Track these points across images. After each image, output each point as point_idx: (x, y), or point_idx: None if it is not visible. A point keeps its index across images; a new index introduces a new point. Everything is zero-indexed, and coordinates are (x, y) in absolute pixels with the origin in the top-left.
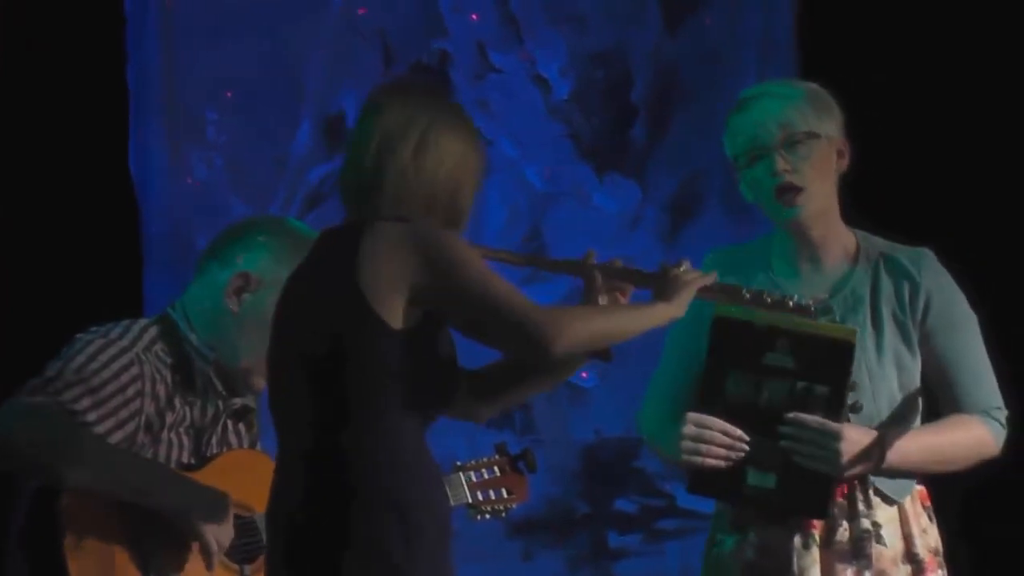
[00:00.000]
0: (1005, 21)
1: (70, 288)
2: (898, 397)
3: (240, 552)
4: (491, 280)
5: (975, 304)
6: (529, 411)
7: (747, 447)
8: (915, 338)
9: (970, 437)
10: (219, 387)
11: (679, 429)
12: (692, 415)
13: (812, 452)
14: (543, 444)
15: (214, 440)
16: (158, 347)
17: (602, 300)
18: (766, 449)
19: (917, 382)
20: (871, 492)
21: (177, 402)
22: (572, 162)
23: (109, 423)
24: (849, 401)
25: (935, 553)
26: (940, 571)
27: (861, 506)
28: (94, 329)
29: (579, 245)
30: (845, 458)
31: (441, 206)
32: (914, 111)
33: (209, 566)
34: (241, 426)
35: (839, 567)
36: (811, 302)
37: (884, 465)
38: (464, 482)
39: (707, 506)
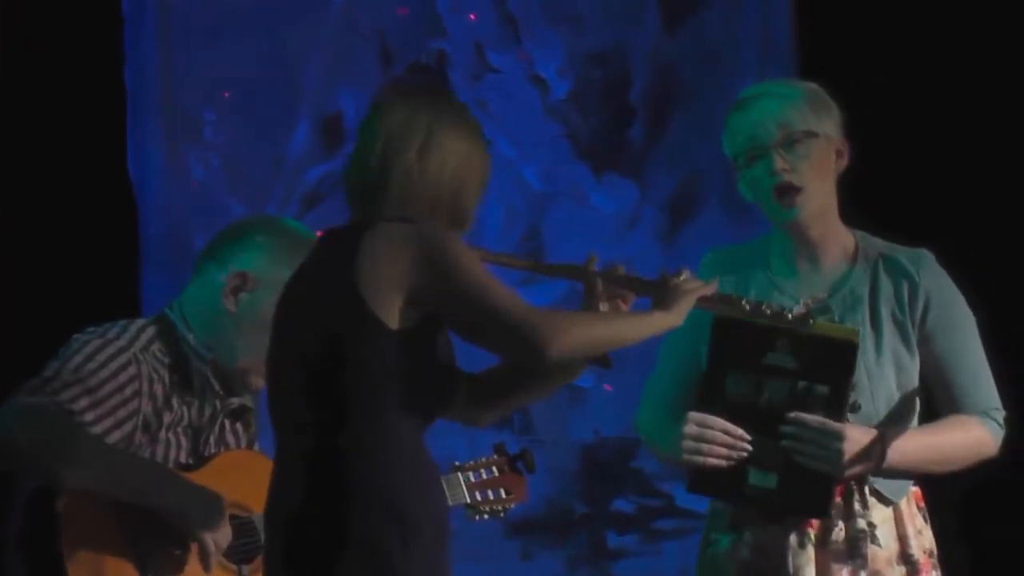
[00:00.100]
0: (1005, 21)
1: (68, 289)
2: (896, 397)
3: (238, 552)
4: (489, 283)
5: (973, 305)
6: (527, 411)
7: (748, 447)
8: (914, 339)
9: (969, 438)
10: (216, 387)
11: (678, 429)
12: (694, 414)
13: (813, 452)
14: (542, 444)
15: (212, 440)
16: (155, 347)
17: (603, 307)
18: (767, 449)
19: (915, 382)
20: (867, 492)
21: (175, 402)
22: (570, 162)
23: (107, 423)
24: None
25: (929, 554)
26: (934, 572)
27: (857, 506)
28: (91, 329)
29: (577, 245)
30: (847, 458)
31: (446, 206)
32: (913, 111)
33: (207, 567)
34: (239, 426)
35: (834, 567)
36: (809, 313)
37: (884, 465)
38: (463, 482)
39: (705, 506)
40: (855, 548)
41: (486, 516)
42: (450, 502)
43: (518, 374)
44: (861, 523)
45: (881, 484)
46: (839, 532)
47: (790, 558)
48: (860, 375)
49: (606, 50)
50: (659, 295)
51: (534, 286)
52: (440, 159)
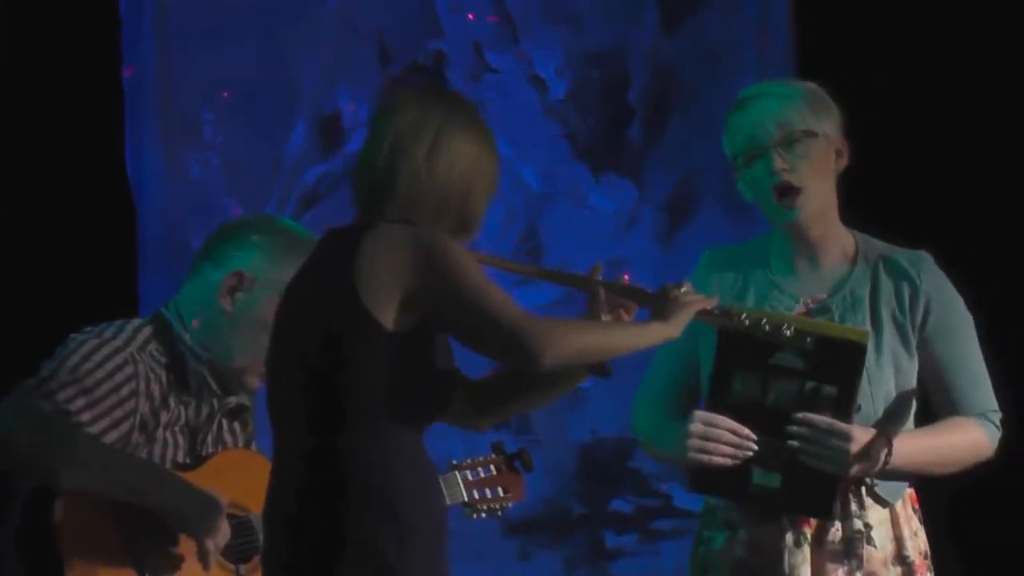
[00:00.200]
0: (1005, 21)
1: (67, 290)
2: (894, 398)
3: (236, 552)
4: (486, 288)
5: (972, 305)
6: (525, 411)
7: (754, 446)
8: (913, 341)
9: (968, 440)
10: (213, 386)
11: (677, 428)
12: (700, 413)
13: (819, 452)
14: (539, 444)
15: (209, 439)
16: (152, 347)
17: (605, 317)
18: (772, 448)
19: (913, 383)
20: (864, 493)
21: (172, 401)
22: (568, 162)
23: (104, 423)
24: None
25: (925, 556)
26: (929, 574)
27: (854, 506)
28: (88, 329)
29: (575, 245)
30: (853, 459)
31: (453, 208)
32: (911, 111)
33: (205, 566)
34: (236, 425)
35: (830, 567)
36: (806, 333)
37: (888, 466)
38: (460, 481)
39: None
40: (851, 549)
41: (483, 515)
42: (448, 501)
43: (518, 381)
44: (858, 524)
45: (879, 485)
46: (835, 532)
47: (786, 557)
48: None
49: (605, 50)
50: (658, 306)
51: (532, 285)
52: (449, 160)
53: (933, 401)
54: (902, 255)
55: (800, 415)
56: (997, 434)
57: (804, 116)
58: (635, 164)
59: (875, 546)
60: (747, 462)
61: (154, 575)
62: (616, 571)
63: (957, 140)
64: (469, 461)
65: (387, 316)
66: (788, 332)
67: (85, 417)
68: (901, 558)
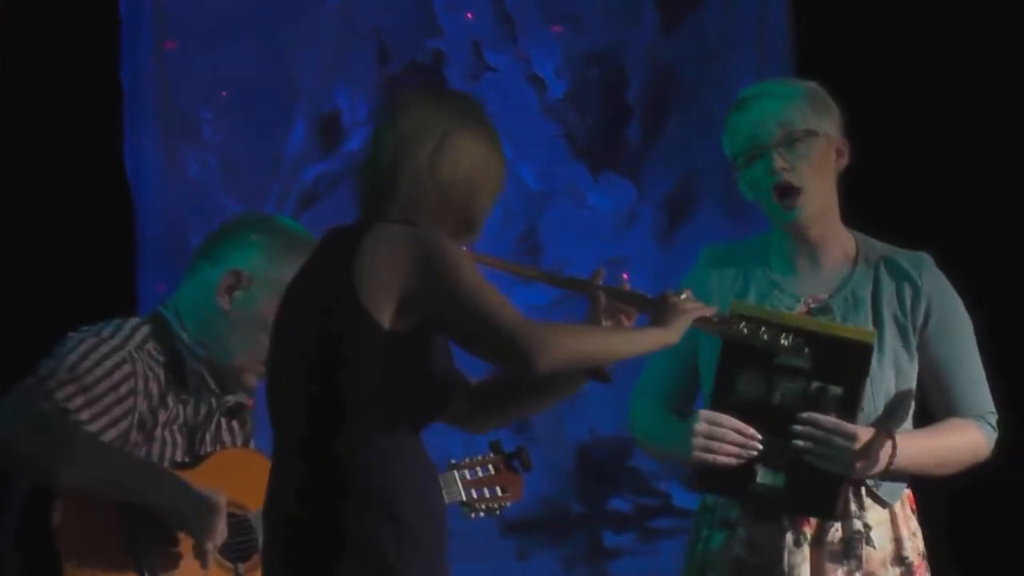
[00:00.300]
0: (1005, 21)
1: (65, 289)
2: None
3: (234, 551)
4: (483, 291)
5: (971, 306)
6: None
7: (760, 446)
8: (914, 342)
9: (966, 441)
10: (212, 385)
11: (681, 426)
12: (705, 412)
13: (824, 452)
14: (538, 443)
15: (208, 438)
16: (150, 345)
17: (606, 322)
18: (777, 448)
19: (912, 384)
20: (864, 494)
21: (170, 400)
22: (567, 161)
23: (102, 421)
24: None
25: (923, 556)
26: (927, 575)
27: (854, 507)
28: (86, 328)
29: (574, 244)
30: (857, 459)
31: (455, 209)
32: (911, 111)
33: (203, 565)
34: (235, 423)
35: (829, 567)
36: (804, 345)
37: (891, 467)
38: (459, 480)
39: None
40: (850, 549)
41: (482, 514)
42: (446, 500)
43: (518, 384)
44: (857, 524)
45: (879, 486)
46: (835, 532)
47: (785, 556)
48: None
49: (603, 49)
50: (657, 312)
51: (531, 285)
52: (453, 160)
53: (931, 402)
54: (903, 256)
55: (806, 415)
56: (994, 435)
57: (805, 116)
58: (634, 163)
59: (874, 546)
60: (752, 461)
61: (153, 574)
62: (615, 570)
63: (957, 140)
64: (467, 460)
65: (387, 316)
66: (786, 342)
67: (84, 416)
68: (900, 558)
